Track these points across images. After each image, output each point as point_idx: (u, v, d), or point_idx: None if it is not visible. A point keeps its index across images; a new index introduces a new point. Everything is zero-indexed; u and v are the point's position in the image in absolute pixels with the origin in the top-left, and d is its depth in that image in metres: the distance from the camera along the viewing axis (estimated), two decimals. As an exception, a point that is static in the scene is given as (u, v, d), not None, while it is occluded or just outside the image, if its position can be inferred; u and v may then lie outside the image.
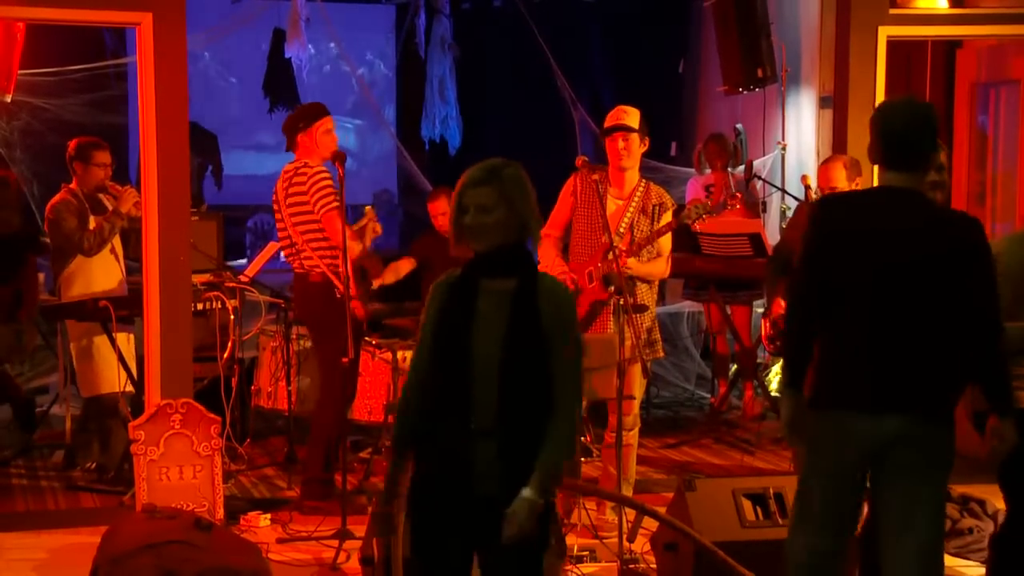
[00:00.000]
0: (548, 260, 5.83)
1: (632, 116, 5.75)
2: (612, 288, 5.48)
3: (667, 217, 5.78)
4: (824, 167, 5.85)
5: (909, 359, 3.61)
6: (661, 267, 5.79)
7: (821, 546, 3.74)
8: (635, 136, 5.72)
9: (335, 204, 5.86)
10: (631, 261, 5.59)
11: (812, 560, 3.76)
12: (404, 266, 7.47)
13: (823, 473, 3.72)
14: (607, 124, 5.79)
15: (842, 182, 5.72)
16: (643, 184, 5.82)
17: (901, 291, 3.61)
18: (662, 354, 5.93)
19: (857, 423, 3.63)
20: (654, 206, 5.76)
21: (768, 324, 5.92)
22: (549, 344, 3.27)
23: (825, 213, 3.78)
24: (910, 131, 3.63)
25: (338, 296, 5.82)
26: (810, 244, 3.73)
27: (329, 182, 5.93)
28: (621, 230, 5.70)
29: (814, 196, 5.95)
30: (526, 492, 3.21)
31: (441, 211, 7.43)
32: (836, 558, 3.76)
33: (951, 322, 3.62)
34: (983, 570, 5.20)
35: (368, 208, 6.68)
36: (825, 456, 3.71)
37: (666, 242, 5.79)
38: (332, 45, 11.53)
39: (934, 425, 3.62)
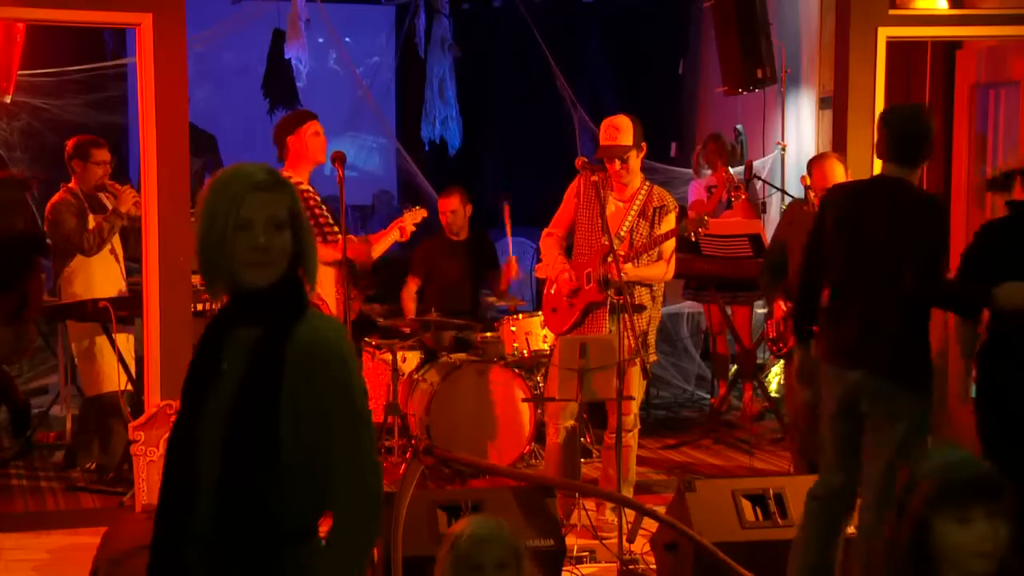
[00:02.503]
0: (550, 259, 5.83)
1: (624, 133, 5.65)
2: (610, 291, 5.48)
3: (669, 220, 5.76)
4: (819, 166, 5.81)
5: (874, 322, 4.18)
6: (662, 270, 5.73)
7: (833, 482, 4.33)
8: (632, 152, 5.67)
9: None
10: (627, 267, 5.56)
11: (824, 492, 4.35)
12: (411, 288, 7.52)
13: (827, 417, 4.36)
14: (602, 142, 5.71)
15: (841, 178, 5.72)
16: (645, 187, 5.79)
17: (865, 263, 4.20)
18: (655, 357, 5.91)
19: (837, 375, 4.26)
20: (655, 209, 5.74)
21: (772, 327, 5.93)
22: (304, 415, 2.36)
23: (829, 196, 4.49)
24: (920, 132, 4.25)
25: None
26: (815, 222, 4.42)
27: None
28: (622, 233, 5.68)
29: (813, 196, 5.94)
30: None
31: (451, 208, 7.46)
32: (845, 495, 4.33)
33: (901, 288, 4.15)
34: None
35: (414, 210, 6.63)
36: (825, 403, 4.37)
37: (668, 244, 5.76)
38: (332, 46, 11.52)
39: (887, 379, 4.17)
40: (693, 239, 5.70)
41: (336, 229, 5.91)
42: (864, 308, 4.21)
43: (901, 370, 4.17)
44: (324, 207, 6.08)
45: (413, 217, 6.52)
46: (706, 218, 5.68)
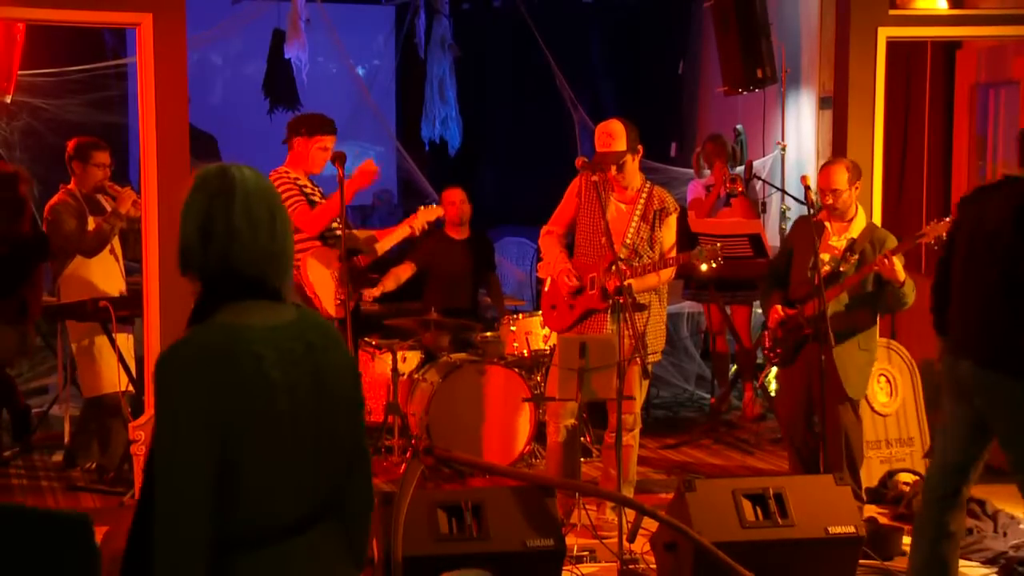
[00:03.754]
0: (552, 256, 5.82)
1: (618, 139, 5.62)
2: (610, 302, 5.49)
3: (670, 223, 5.75)
4: (826, 170, 5.80)
5: (980, 315, 4.39)
6: (663, 275, 5.74)
7: (947, 459, 4.57)
8: (627, 157, 5.66)
9: (296, 201, 5.82)
10: (631, 281, 5.53)
11: (939, 469, 4.60)
12: (404, 271, 7.47)
13: (946, 400, 4.60)
14: (597, 149, 5.67)
15: (843, 184, 5.70)
16: (647, 188, 5.77)
17: (979, 257, 4.40)
18: (658, 357, 5.90)
19: (952, 364, 4.50)
20: (656, 212, 5.72)
21: (768, 335, 5.91)
22: None
23: (965, 196, 4.68)
24: None
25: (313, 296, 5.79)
26: (953, 221, 4.70)
27: (285, 182, 5.85)
28: (627, 241, 5.67)
29: (814, 197, 5.91)
30: None
31: (460, 198, 7.50)
32: (960, 471, 4.53)
33: (1014, 285, 4.31)
34: (983, 570, 5.20)
35: (430, 208, 6.46)
36: (944, 388, 4.62)
37: (669, 242, 5.76)
38: (332, 46, 11.52)
39: (991, 369, 4.35)
40: (704, 269, 5.64)
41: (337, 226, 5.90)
42: (976, 302, 4.42)
43: (1003, 360, 4.34)
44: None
45: (427, 215, 6.37)
46: (718, 247, 5.64)
